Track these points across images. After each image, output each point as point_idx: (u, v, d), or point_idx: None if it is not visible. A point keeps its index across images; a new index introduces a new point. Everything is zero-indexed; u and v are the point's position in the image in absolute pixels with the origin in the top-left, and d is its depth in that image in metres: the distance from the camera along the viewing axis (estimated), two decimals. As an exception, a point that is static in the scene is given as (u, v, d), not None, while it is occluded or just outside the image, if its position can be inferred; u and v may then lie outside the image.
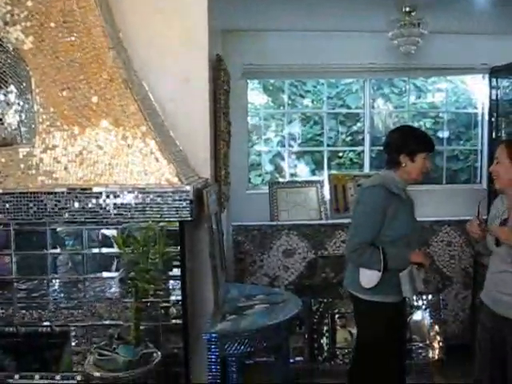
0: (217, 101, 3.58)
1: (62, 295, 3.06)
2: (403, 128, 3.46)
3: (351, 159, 7.11)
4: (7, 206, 2.86)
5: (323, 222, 4.79)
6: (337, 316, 4.54)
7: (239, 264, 4.62)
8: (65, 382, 3.00)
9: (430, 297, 4.58)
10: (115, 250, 2.81)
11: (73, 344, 3.04)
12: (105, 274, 3.04)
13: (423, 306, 4.57)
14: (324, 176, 5.23)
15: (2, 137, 3.05)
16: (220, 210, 3.51)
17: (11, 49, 3.04)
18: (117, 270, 3.01)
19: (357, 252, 2.98)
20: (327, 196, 4.98)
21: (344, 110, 7.07)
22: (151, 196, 2.83)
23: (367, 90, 5.36)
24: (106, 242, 2.99)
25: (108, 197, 2.84)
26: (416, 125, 5.61)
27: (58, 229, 3.01)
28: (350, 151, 7.08)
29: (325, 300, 4.55)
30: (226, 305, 3.10)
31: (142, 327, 2.76)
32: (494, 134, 5.04)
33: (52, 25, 3.00)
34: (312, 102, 7.32)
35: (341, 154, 7.15)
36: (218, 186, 3.61)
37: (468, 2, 4.57)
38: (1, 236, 3.01)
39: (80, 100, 2.99)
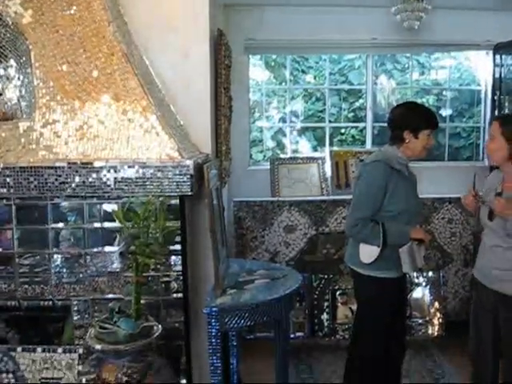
0: (218, 76, 3.56)
1: (64, 270, 3.07)
2: (408, 104, 3.44)
3: (353, 136, 7.10)
4: (8, 180, 2.85)
5: (324, 198, 4.80)
6: (338, 293, 4.57)
7: (240, 240, 4.63)
8: (67, 354, 3.03)
9: (430, 274, 4.61)
10: (117, 224, 2.81)
11: (75, 318, 3.06)
12: (107, 249, 3.05)
13: (423, 283, 4.59)
14: (326, 152, 5.23)
15: (2, 111, 3.04)
16: (221, 186, 3.51)
17: (10, 23, 3.00)
18: (119, 244, 3.02)
19: (357, 227, 2.99)
20: (329, 172, 4.99)
21: (346, 87, 7.05)
22: (151, 170, 2.82)
23: (370, 66, 5.34)
24: (108, 216, 2.99)
25: (108, 171, 2.83)
26: (419, 102, 5.57)
27: (61, 203, 3.01)
28: (352, 128, 7.08)
29: (325, 276, 4.58)
30: (227, 279, 3.10)
31: (142, 301, 2.77)
32: (496, 112, 5.02)
33: (51, -2, 2.97)
34: (314, 78, 7.29)
35: (343, 131, 7.14)
36: (219, 162, 3.60)
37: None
38: (2, 211, 3.01)
39: (80, 74, 2.97)
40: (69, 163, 2.85)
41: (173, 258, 3.04)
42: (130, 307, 2.69)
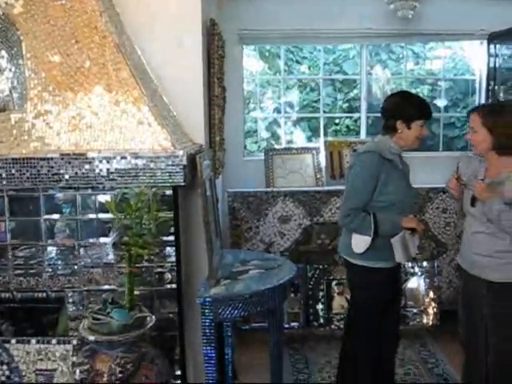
0: (211, 66, 3.54)
1: (59, 261, 3.07)
2: (401, 94, 3.38)
3: (348, 126, 7.10)
4: (0, 172, 2.85)
5: (319, 188, 4.79)
6: (334, 283, 4.57)
7: (235, 230, 4.63)
8: (61, 346, 3.03)
9: (424, 263, 4.62)
10: (111, 215, 2.81)
11: (69, 309, 3.06)
12: (101, 240, 3.04)
13: (418, 273, 4.60)
14: (320, 143, 5.21)
15: (-6, 103, 3.03)
16: (214, 176, 3.51)
17: (1, 13, 2.99)
18: (112, 235, 3.02)
19: (349, 217, 2.99)
20: (323, 163, 4.98)
21: (341, 77, 7.04)
22: (144, 161, 2.82)
23: (364, 56, 5.32)
24: (103, 207, 2.98)
25: (101, 162, 2.82)
26: (413, 92, 5.57)
27: (55, 195, 3.00)
28: (347, 118, 7.06)
29: (320, 266, 4.58)
30: (221, 270, 3.11)
31: (136, 292, 2.77)
32: (491, 102, 5.01)
33: (42, -12, 2.96)
34: (309, 68, 7.27)
35: (337, 121, 7.14)
36: (213, 152, 3.60)
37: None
38: (-4, 202, 3.00)
39: (72, 65, 2.96)
40: (61, 154, 2.84)
41: (167, 248, 3.04)
42: (124, 298, 2.69)
